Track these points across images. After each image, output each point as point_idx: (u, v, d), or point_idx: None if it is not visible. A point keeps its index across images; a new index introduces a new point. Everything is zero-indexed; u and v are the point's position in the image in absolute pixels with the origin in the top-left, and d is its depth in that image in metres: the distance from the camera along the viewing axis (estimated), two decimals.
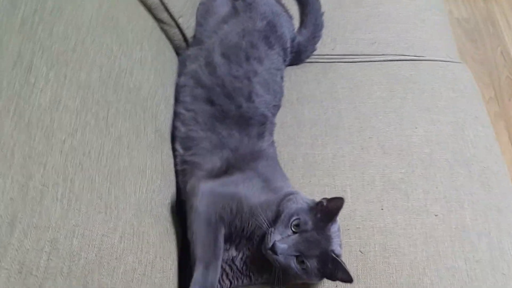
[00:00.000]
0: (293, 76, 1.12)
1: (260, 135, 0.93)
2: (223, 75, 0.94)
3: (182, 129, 0.92)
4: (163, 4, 0.95)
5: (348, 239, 0.89)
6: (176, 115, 0.94)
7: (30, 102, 0.55)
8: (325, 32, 1.18)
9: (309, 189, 0.96)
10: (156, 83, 0.89)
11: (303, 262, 0.75)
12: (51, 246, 0.54)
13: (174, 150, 0.91)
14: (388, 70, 1.14)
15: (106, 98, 0.70)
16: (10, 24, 0.54)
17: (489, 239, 0.89)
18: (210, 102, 0.93)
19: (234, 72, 0.95)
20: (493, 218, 0.91)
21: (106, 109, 0.70)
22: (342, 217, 0.90)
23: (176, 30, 1.02)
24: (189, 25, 1.05)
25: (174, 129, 0.93)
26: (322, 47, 1.18)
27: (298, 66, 1.15)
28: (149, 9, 0.94)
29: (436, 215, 0.91)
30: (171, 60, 0.99)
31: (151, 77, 0.87)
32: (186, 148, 0.90)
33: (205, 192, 0.81)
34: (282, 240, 0.75)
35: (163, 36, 0.99)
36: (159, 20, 0.98)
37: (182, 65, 1.00)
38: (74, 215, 0.58)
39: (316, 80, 1.12)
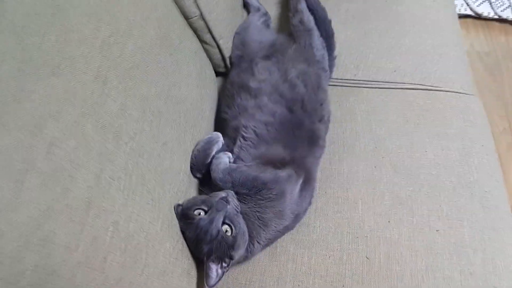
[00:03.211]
0: None
1: (318, 160, 1.08)
2: (302, 95, 1.07)
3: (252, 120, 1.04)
4: (207, 27, 1.09)
5: (356, 245, 0.99)
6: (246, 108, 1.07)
7: (105, 109, 0.68)
8: (349, 58, 1.30)
9: (325, 199, 1.06)
10: (197, 97, 1.02)
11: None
12: (113, 227, 0.67)
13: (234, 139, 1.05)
14: (404, 97, 1.24)
15: (159, 109, 0.84)
16: (93, 44, 0.68)
17: (483, 254, 0.97)
18: (290, 109, 1.05)
19: (312, 95, 1.09)
20: (489, 237, 1.00)
21: (158, 118, 0.83)
22: (352, 226, 1.02)
23: (216, 50, 1.16)
24: (227, 46, 1.19)
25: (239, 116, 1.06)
26: (345, 72, 1.29)
27: None
28: (195, 31, 1.08)
29: (437, 231, 1.00)
30: (210, 77, 1.13)
31: (194, 91, 1.00)
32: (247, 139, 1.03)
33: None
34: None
35: (205, 55, 1.13)
36: (202, 41, 1.12)
37: (249, 70, 1.13)
38: (131, 204, 0.71)
39: (338, 102, 1.23)
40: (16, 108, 0.54)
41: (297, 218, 0.99)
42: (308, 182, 1.01)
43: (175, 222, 0.87)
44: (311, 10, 1.23)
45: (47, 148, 0.57)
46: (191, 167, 0.99)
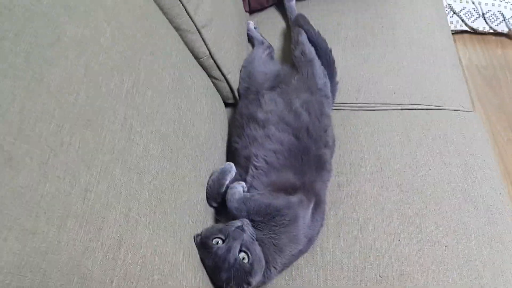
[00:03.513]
0: None
1: (327, 183, 1.13)
2: (307, 122, 1.13)
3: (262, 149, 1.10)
4: (216, 64, 1.16)
5: (369, 265, 1.04)
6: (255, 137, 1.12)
7: (131, 153, 0.74)
8: (350, 83, 1.36)
9: (335, 220, 1.11)
10: (209, 130, 1.09)
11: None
12: (142, 261, 0.72)
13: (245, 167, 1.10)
14: (405, 117, 1.30)
15: (177, 146, 0.90)
16: (118, 96, 0.74)
17: (493, 268, 1.02)
18: (296, 137, 1.11)
19: (316, 122, 1.15)
20: (497, 250, 1.04)
21: (176, 155, 0.89)
22: (364, 245, 1.07)
23: (225, 84, 1.23)
24: (235, 79, 1.26)
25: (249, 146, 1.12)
26: (347, 96, 1.35)
27: None
28: (205, 69, 1.16)
29: (446, 246, 1.05)
30: (220, 110, 1.19)
31: (206, 126, 1.07)
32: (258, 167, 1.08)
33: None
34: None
35: (215, 90, 1.20)
36: (211, 77, 1.19)
37: (256, 101, 1.19)
38: (156, 238, 0.77)
39: (342, 126, 1.29)
40: (54, 160, 0.60)
41: (310, 241, 1.04)
42: (318, 205, 1.07)
43: (195, 251, 0.92)
44: (312, 41, 1.30)
45: (83, 194, 0.63)
46: (207, 197, 1.05)
